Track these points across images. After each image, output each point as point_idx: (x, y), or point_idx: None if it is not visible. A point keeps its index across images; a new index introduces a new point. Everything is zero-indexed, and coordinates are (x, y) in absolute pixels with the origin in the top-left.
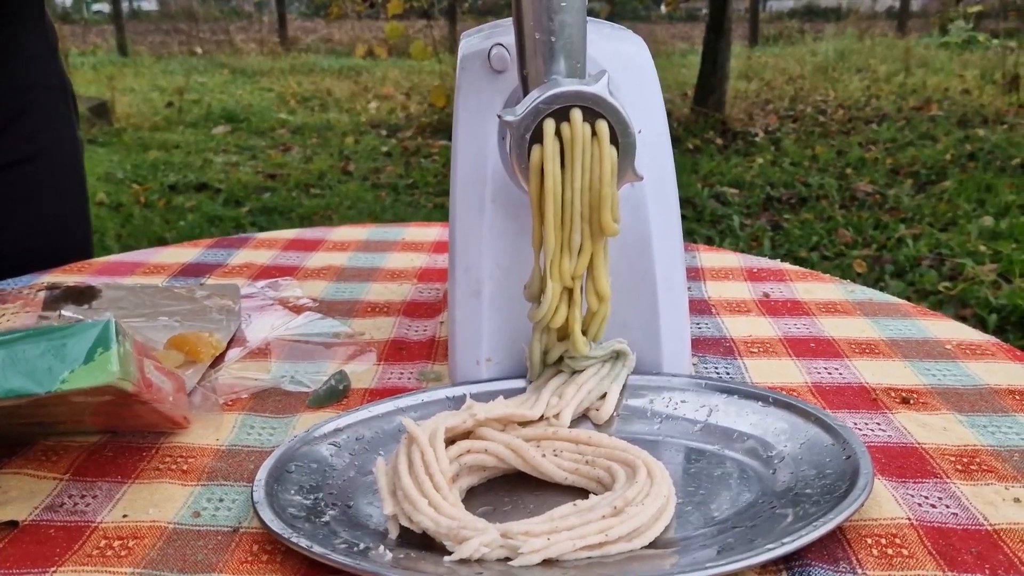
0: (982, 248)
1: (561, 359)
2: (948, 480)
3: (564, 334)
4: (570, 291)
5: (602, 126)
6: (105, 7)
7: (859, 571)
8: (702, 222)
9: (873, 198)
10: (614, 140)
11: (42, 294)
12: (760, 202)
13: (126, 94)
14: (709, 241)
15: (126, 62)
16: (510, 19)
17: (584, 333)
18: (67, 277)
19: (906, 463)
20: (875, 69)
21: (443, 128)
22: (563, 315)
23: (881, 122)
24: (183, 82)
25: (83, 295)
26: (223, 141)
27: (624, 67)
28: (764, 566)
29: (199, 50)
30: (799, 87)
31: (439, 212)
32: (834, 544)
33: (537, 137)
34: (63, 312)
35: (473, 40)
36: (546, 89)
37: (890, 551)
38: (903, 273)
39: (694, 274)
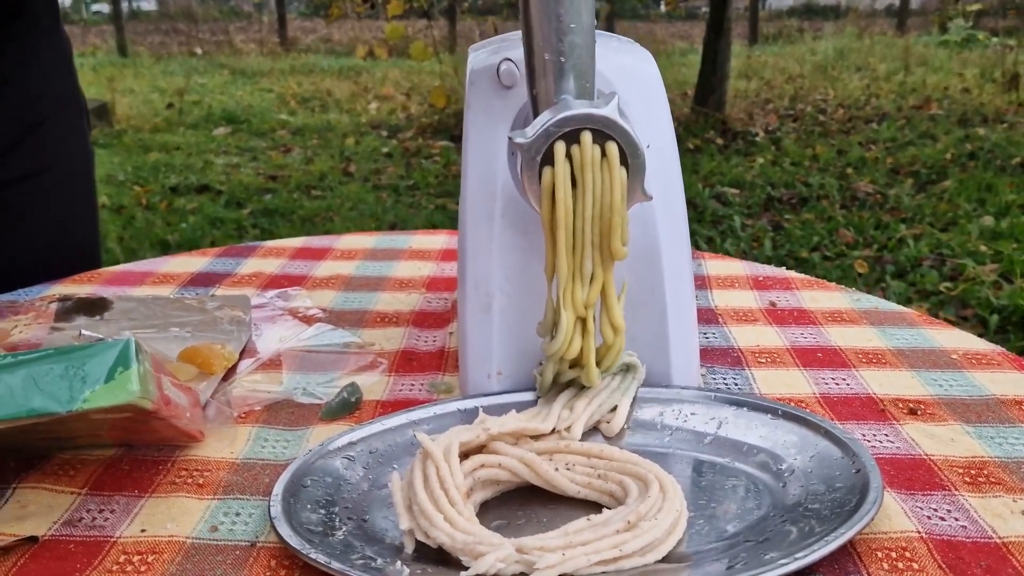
0: (983, 248)
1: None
2: (956, 492)
3: (577, 363)
4: (584, 321)
5: (612, 148)
6: (104, 7)
7: None
8: (703, 223)
9: (874, 198)
10: (624, 161)
11: (54, 306)
12: (761, 202)
13: (126, 95)
14: (710, 241)
15: (126, 63)
16: (518, 32)
17: (597, 364)
18: (78, 288)
19: (914, 475)
20: (875, 68)
21: (444, 129)
22: (578, 346)
23: (881, 121)
24: (183, 83)
25: (95, 307)
26: (224, 142)
27: (631, 81)
28: None
29: (199, 51)
30: (799, 86)
31: (440, 213)
32: (845, 558)
33: (548, 159)
34: (83, 331)
35: (481, 55)
36: (556, 111)
37: (900, 565)
38: (904, 273)
39: (700, 282)
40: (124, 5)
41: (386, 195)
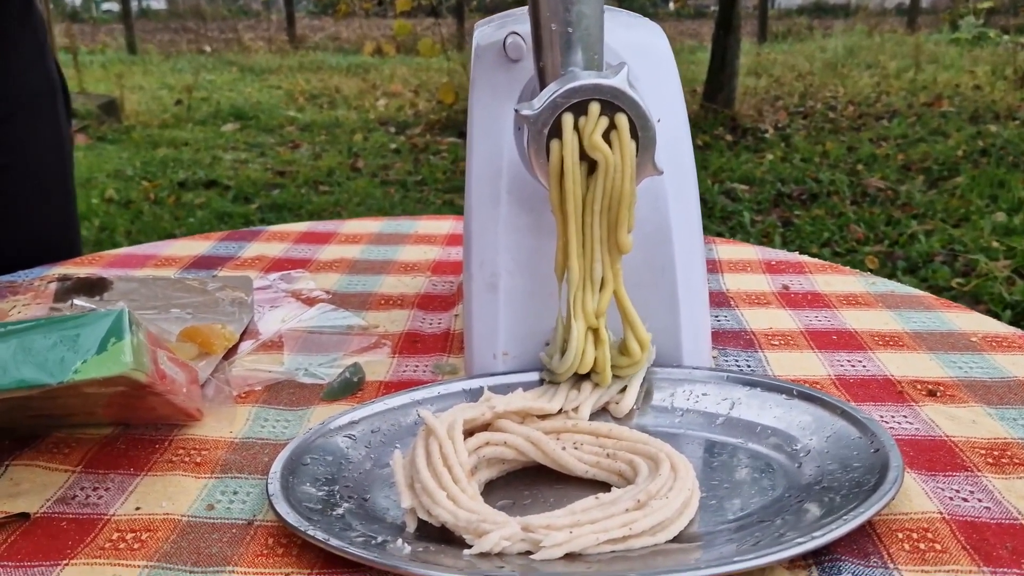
0: (995, 244)
1: None
2: (979, 474)
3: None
4: (595, 331)
5: (621, 119)
6: (114, 6)
7: (891, 566)
8: (712, 218)
9: (885, 194)
10: (633, 134)
11: (53, 286)
12: (770, 198)
13: (135, 92)
14: (719, 237)
15: (135, 60)
16: (525, 8)
17: (618, 374)
18: (78, 269)
19: (935, 456)
20: (885, 65)
21: (451, 125)
22: (591, 359)
23: (892, 118)
24: (192, 80)
25: (95, 287)
26: (232, 138)
27: (642, 56)
28: (792, 561)
29: (208, 48)
30: (808, 83)
31: (448, 208)
32: (864, 539)
33: (555, 132)
34: (75, 301)
35: (487, 30)
36: (564, 82)
37: (922, 546)
38: (916, 269)
39: (711, 266)
40: (133, 4)
41: (394, 190)
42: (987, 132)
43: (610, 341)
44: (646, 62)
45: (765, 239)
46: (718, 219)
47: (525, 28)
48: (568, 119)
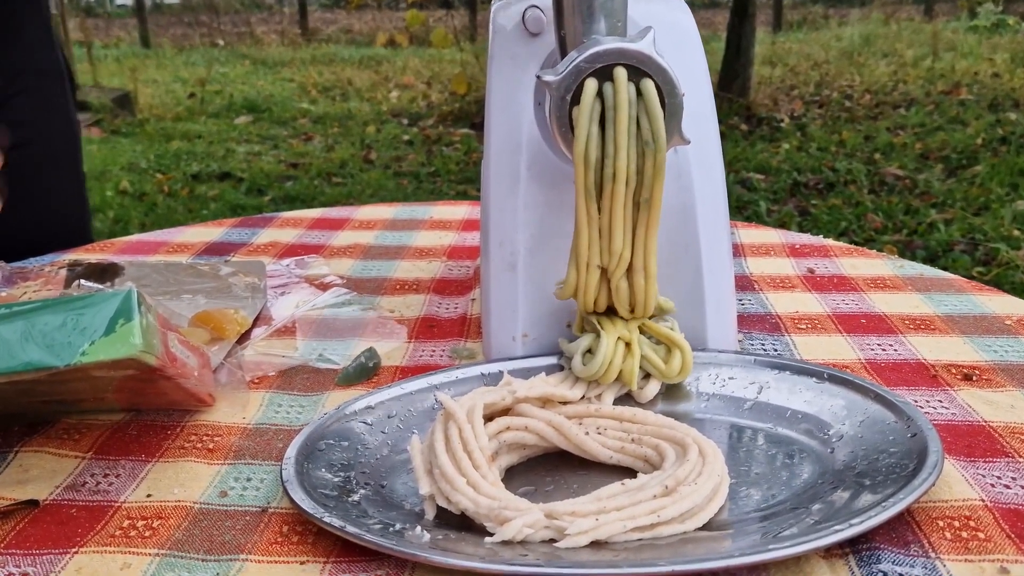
0: (1016, 232)
1: None
2: (1021, 459)
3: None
4: (627, 343)
5: (648, 85)
6: (128, 0)
7: (932, 555)
8: (729, 208)
9: (903, 183)
10: (660, 101)
11: (64, 272)
12: (787, 187)
13: (149, 85)
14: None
15: (149, 54)
16: None
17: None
18: (90, 255)
19: (974, 442)
20: (902, 54)
21: (464, 116)
22: (617, 370)
23: (909, 107)
24: (205, 73)
25: (106, 272)
26: (245, 131)
27: (666, 29)
28: (828, 549)
29: (220, 42)
30: (824, 72)
31: (461, 200)
32: (903, 527)
33: (577, 99)
34: (83, 282)
35: (505, 4)
36: (587, 48)
37: (964, 534)
38: (935, 258)
39: (734, 250)
40: None
41: (407, 182)
42: (1006, 120)
43: (652, 344)
44: (670, 36)
45: (782, 228)
46: (734, 209)
47: (544, 2)
48: (591, 84)
